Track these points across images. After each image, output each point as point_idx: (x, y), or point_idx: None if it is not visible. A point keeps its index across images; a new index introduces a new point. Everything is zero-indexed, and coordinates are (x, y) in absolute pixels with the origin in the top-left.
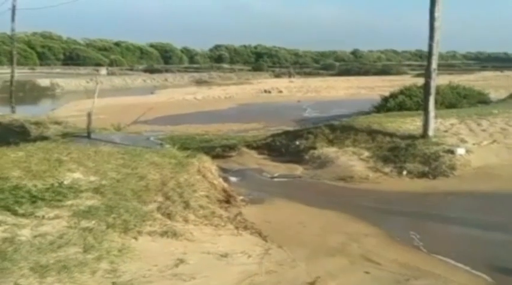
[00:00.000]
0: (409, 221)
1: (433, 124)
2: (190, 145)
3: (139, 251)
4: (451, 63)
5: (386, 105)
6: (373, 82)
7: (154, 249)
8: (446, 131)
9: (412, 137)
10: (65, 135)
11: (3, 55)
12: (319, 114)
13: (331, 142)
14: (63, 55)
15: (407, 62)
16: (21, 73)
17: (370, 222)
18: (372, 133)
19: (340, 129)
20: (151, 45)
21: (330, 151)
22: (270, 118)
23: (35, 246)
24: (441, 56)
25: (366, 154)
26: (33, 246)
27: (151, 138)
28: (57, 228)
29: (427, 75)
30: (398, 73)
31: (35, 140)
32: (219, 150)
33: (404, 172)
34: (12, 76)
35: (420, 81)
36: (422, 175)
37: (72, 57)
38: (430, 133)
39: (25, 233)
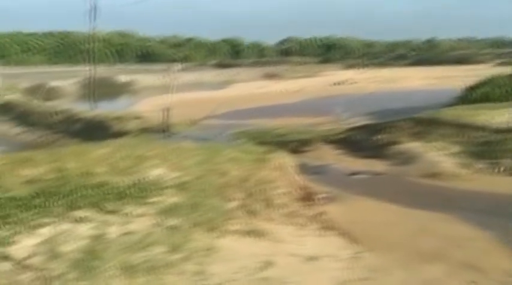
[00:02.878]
0: None
1: None
2: (264, 140)
3: (225, 251)
4: None
5: (470, 96)
6: (450, 71)
7: (240, 249)
8: None
9: (505, 131)
10: (143, 130)
11: (84, 53)
12: (394, 107)
13: (414, 137)
14: (139, 53)
15: (486, 51)
16: (100, 70)
17: (470, 224)
18: (459, 126)
19: (424, 122)
20: (222, 41)
21: (414, 146)
22: (343, 111)
23: (123, 245)
24: None
25: (455, 149)
26: (121, 244)
27: (226, 133)
28: (144, 226)
29: None
30: (476, 62)
31: (115, 135)
32: (294, 145)
33: (501, 169)
34: (91, 74)
35: (502, 70)
36: None
37: (147, 54)
38: None
39: (113, 231)
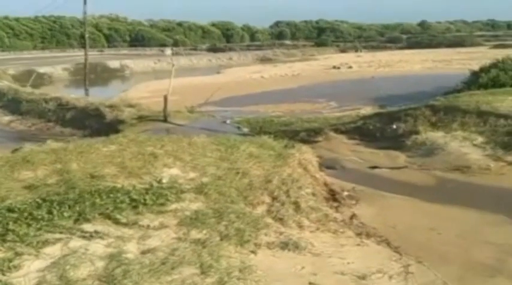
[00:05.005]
0: None
1: None
2: (269, 129)
3: (263, 270)
4: None
5: (478, 81)
6: (448, 55)
7: (278, 267)
8: None
9: None
10: (140, 118)
11: (73, 38)
12: (398, 92)
13: (434, 126)
14: (129, 37)
15: (480, 33)
16: (90, 55)
17: None
18: (481, 114)
19: (443, 110)
20: (213, 24)
21: (436, 136)
22: (344, 97)
23: (146, 266)
24: None
25: (480, 139)
26: (143, 267)
27: (228, 121)
28: (166, 241)
29: None
30: (473, 44)
31: (111, 124)
32: (303, 135)
33: None
34: (85, 59)
35: (499, 53)
36: None
37: (138, 38)
38: None
39: (132, 249)
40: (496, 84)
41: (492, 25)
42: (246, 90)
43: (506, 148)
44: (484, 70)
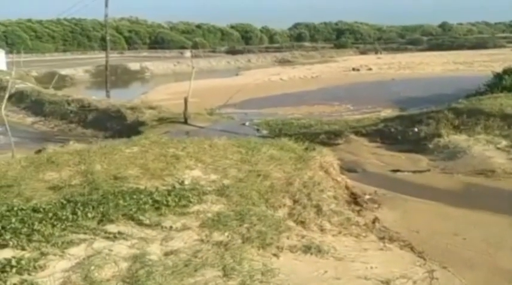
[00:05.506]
0: None
1: None
2: (289, 132)
3: (285, 274)
4: None
5: (501, 83)
6: (470, 57)
7: (300, 271)
8: None
9: None
10: (161, 120)
11: (94, 40)
12: (419, 94)
13: (457, 129)
14: (149, 39)
15: (502, 34)
16: (111, 57)
17: None
18: (505, 117)
19: (466, 112)
20: (232, 27)
21: (459, 139)
22: (364, 99)
23: (169, 268)
24: None
25: (504, 142)
26: (166, 268)
27: (247, 124)
28: (189, 243)
29: None
30: (495, 46)
31: (132, 125)
32: (323, 137)
33: None
34: (106, 61)
35: None
36: None
37: (157, 40)
38: None
39: (155, 250)
40: None
41: None
42: (265, 92)
43: None
44: (508, 72)
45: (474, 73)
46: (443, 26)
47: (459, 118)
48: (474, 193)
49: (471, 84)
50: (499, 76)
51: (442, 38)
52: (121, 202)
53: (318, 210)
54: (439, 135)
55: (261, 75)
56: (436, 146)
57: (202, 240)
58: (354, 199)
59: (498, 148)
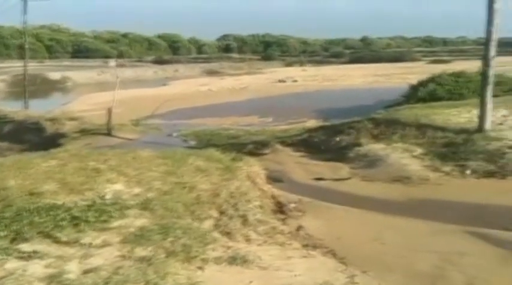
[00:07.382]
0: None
1: (490, 117)
2: (217, 142)
3: None
4: (463, 49)
5: (417, 94)
6: (388, 69)
7: (226, 282)
8: (501, 124)
9: (466, 131)
10: (82, 132)
11: (12, 49)
12: (341, 105)
13: (376, 138)
14: (72, 48)
15: (418, 49)
16: (30, 66)
17: (461, 235)
18: (420, 127)
19: (384, 122)
20: (159, 36)
21: (377, 147)
22: (290, 110)
23: None
24: (452, 42)
25: (419, 150)
26: None
27: (175, 134)
28: (110, 259)
29: (485, 63)
30: (411, 60)
31: (51, 137)
32: (251, 148)
33: (468, 172)
34: (24, 70)
35: (436, 67)
36: (489, 174)
37: (81, 49)
38: (487, 126)
39: (73, 268)
40: (433, 97)
41: (429, 41)
42: (193, 103)
43: (443, 159)
44: (423, 84)
45: (392, 85)
46: (364, 40)
47: (378, 127)
48: (392, 200)
49: (389, 95)
50: (414, 88)
51: (362, 52)
52: (36, 218)
53: (244, 220)
54: (359, 144)
55: (189, 86)
56: (357, 154)
57: (124, 257)
58: (280, 208)
59: (413, 156)
